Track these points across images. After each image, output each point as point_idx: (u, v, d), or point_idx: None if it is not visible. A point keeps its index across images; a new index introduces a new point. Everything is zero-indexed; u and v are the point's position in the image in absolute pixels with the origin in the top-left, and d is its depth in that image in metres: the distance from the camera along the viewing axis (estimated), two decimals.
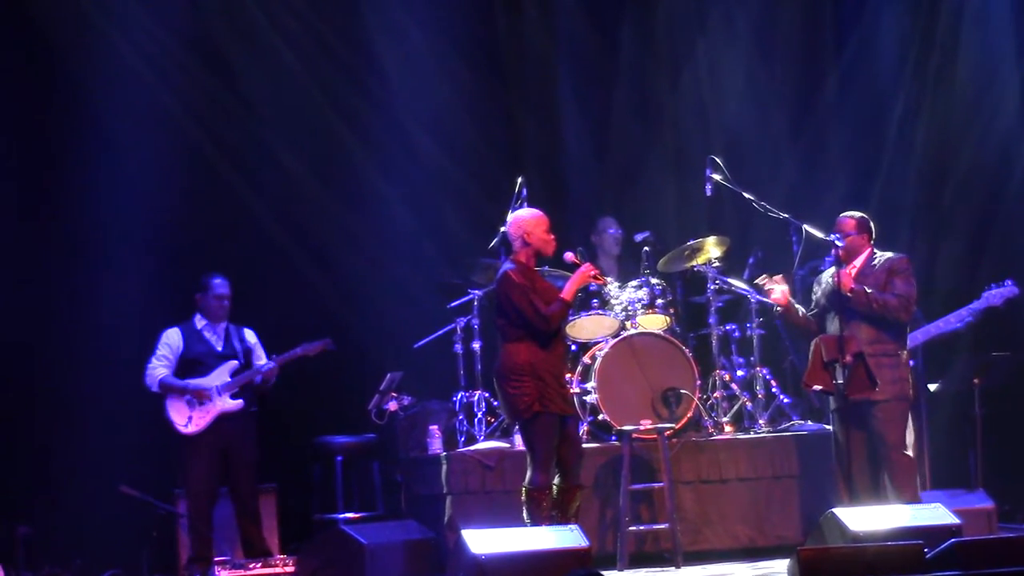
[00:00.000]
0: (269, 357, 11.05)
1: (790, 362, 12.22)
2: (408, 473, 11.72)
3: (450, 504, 10.89)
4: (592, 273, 9.87)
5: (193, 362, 10.91)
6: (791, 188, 12.74)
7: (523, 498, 9.54)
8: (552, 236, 9.78)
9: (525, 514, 9.51)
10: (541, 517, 9.45)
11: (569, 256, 10.00)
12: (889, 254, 10.34)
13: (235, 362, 10.98)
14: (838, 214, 10.65)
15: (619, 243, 12.60)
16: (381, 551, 10.47)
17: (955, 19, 13.51)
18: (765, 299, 11.85)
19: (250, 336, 11.17)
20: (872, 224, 10.40)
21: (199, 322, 11.04)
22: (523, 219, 9.81)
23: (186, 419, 10.80)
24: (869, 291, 10.09)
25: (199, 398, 10.80)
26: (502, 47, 13.57)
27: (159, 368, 10.89)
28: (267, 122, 12.75)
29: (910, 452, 10.22)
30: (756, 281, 10.63)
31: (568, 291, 9.70)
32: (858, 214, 10.45)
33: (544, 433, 9.54)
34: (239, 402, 10.91)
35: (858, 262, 10.30)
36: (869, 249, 10.35)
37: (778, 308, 10.48)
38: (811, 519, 10.51)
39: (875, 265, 10.25)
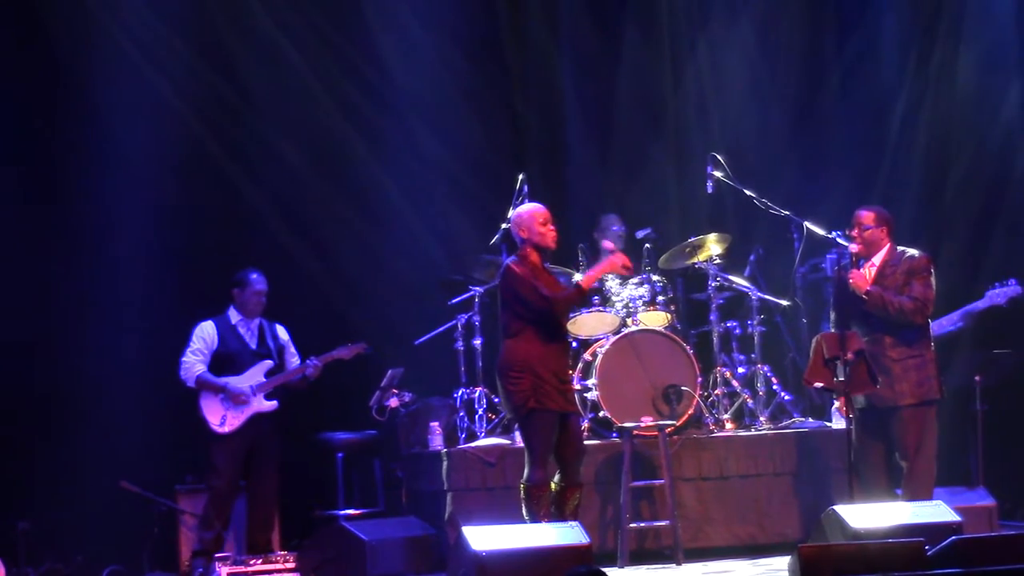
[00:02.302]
0: (307, 356, 11.01)
1: (791, 359, 12.21)
2: (409, 469, 11.74)
3: (451, 500, 10.89)
4: (622, 263, 9.84)
5: (227, 358, 10.85)
6: (792, 185, 12.74)
7: (521, 495, 9.53)
8: (551, 228, 9.71)
9: (524, 511, 9.50)
10: (539, 514, 9.44)
11: (608, 244, 10.01)
12: (911, 251, 10.20)
13: (270, 362, 10.94)
14: (839, 211, 10.64)
15: (622, 240, 12.60)
16: (382, 547, 10.50)
17: (957, 17, 13.51)
18: (767, 296, 11.88)
19: (282, 333, 11.13)
20: (891, 217, 10.30)
21: (234, 317, 10.97)
22: (520, 215, 9.79)
23: (220, 418, 10.74)
24: (886, 295, 10.01)
25: (236, 400, 10.76)
26: (504, 43, 13.56)
27: (197, 364, 10.81)
28: (268, 117, 12.75)
29: (931, 461, 10.13)
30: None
31: (589, 277, 9.71)
32: (876, 207, 10.37)
33: (540, 430, 9.52)
34: (274, 403, 10.88)
35: (877, 259, 10.16)
36: (889, 244, 10.20)
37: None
38: (812, 516, 10.51)
39: (896, 263, 10.14)
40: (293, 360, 11.07)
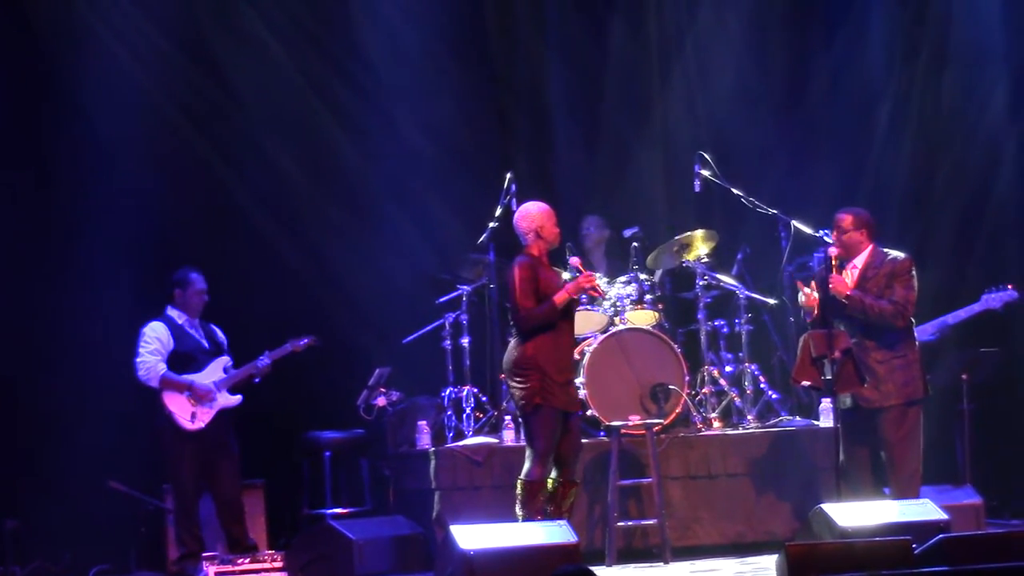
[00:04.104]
0: (261, 353, 11.01)
1: (778, 358, 12.23)
2: (396, 469, 11.74)
3: (438, 500, 10.89)
4: (589, 284, 9.85)
5: (185, 357, 10.82)
6: (780, 184, 12.73)
7: (518, 491, 9.52)
8: (559, 228, 9.87)
9: (518, 507, 9.50)
10: (534, 511, 9.44)
11: (575, 261, 10.01)
12: (893, 253, 10.18)
13: (227, 359, 10.95)
14: (826, 210, 10.63)
15: (601, 243, 12.63)
16: (369, 546, 10.50)
17: (944, 15, 13.51)
18: (754, 295, 11.88)
19: (220, 333, 11.13)
20: (871, 219, 10.30)
21: (178, 317, 10.93)
22: (533, 214, 9.83)
23: (190, 414, 10.72)
24: (866, 299, 10.01)
25: (202, 396, 10.75)
26: (491, 41, 13.55)
27: (158, 363, 10.76)
28: (256, 117, 12.73)
29: (918, 460, 10.14)
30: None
31: (560, 297, 9.70)
32: (856, 209, 10.36)
33: (544, 426, 9.54)
34: (238, 398, 10.88)
35: (859, 261, 10.15)
36: (870, 246, 10.17)
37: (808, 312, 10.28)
38: (799, 515, 10.53)
39: (878, 265, 10.12)
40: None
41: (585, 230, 12.63)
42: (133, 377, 10.86)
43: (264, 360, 10.94)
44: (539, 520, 9.33)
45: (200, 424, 10.74)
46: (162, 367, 10.77)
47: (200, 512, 10.91)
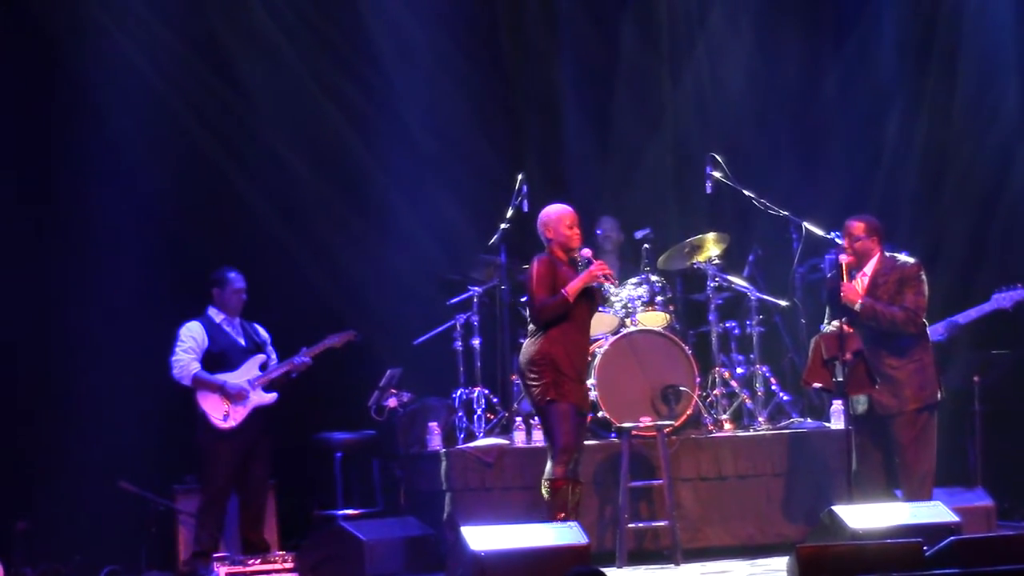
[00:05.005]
0: (298, 350, 11.02)
1: (789, 360, 12.21)
2: (407, 470, 11.74)
3: (449, 501, 10.89)
4: (600, 272, 9.82)
5: (219, 357, 10.85)
6: (791, 186, 12.72)
7: (545, 492, 9.50)
8: (576, 231, 9.83)
9: (548, 507, 9.47)
10: (559, 509, 9.43)
11: (586, 252, 9.99)
12: (901, 258, 10.20)
13: (263, 356, 10.97)
14: (837, 211, 10.62)
15: (615, 243, 12.60)
16: (380, 547, 10.50)
17: (955, 17, 13.50)
18: (766, 297, 11.87)
19: (262, 332, 11.15)
20: (881, 225, 10.29)
21: (216, 316, 10.97)
22: (548, 216, 9.85)
23: (223, 414, 10.73)
24: (878, 306, 10.00)
25: (234, 395, 10.75)
26: (503, 42, 13.56)
27: (192, 362, 10.79)
28: (266, 116, 12.75)
29: (930, 462, 10.14)
30: None
31: (572, 286, 9.69)
32: (866, 216, 10.35)
33: (561, 422, 9.54)
34: (273, 395, 10.90)
35: (869, 268, 10.14)
36: (879, 253, 10.19)
37: None
38: (811, 516, 10.51)
39: (887, 272, 10.12)
40: (273, 359, 11.07)
41: (603, 231, 12.58)
42: (146, 377, 10.92)
43: (301, 356, 10.96)
44: (560, 519, 9.32)
45: (232, 423, 10.75)
46: (195, 366, 10.79)
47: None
